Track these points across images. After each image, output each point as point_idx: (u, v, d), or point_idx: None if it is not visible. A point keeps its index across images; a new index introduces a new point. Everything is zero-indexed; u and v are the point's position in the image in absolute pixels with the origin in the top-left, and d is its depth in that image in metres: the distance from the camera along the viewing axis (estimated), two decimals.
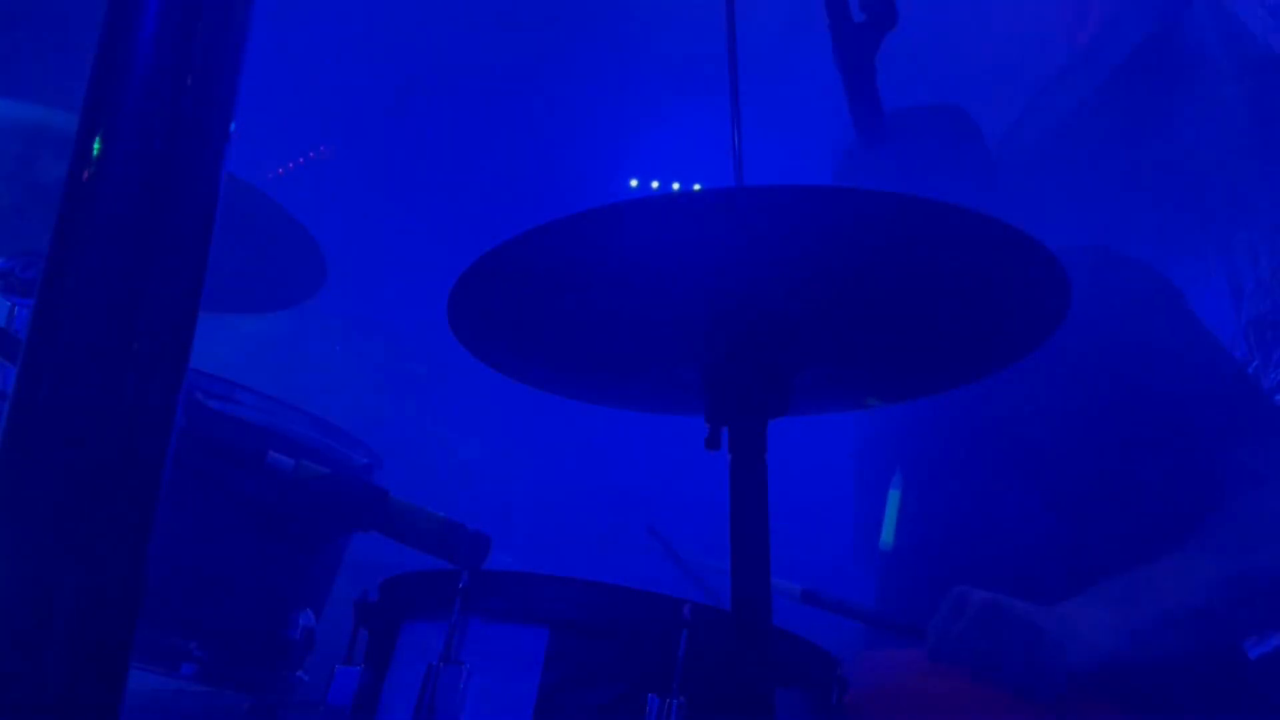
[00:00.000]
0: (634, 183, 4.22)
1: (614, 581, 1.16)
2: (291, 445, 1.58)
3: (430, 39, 3.75)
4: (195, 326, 0.65)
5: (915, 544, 1.96)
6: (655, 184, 4.17)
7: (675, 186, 4.20)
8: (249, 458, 1.49)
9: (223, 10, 0.67)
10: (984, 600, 1.54)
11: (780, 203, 0.93)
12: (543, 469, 3.66)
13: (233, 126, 0.67)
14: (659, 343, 1.14)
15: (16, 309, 1.59)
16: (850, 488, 2.37)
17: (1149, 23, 2.68)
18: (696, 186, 4.10)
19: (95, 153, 0.64)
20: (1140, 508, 1.77)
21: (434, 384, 3.94)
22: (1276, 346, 2.48)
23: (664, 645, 1.10)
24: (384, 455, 1.80)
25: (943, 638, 1.55)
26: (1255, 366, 2.50)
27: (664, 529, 2.17)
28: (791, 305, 1.03)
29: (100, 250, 0.64)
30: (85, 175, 0.65)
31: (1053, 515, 1.79)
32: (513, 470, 3.69)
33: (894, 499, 2.00)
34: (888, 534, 1.99)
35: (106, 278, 0.63)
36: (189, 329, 0.65)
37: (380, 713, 1.20)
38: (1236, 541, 1.65)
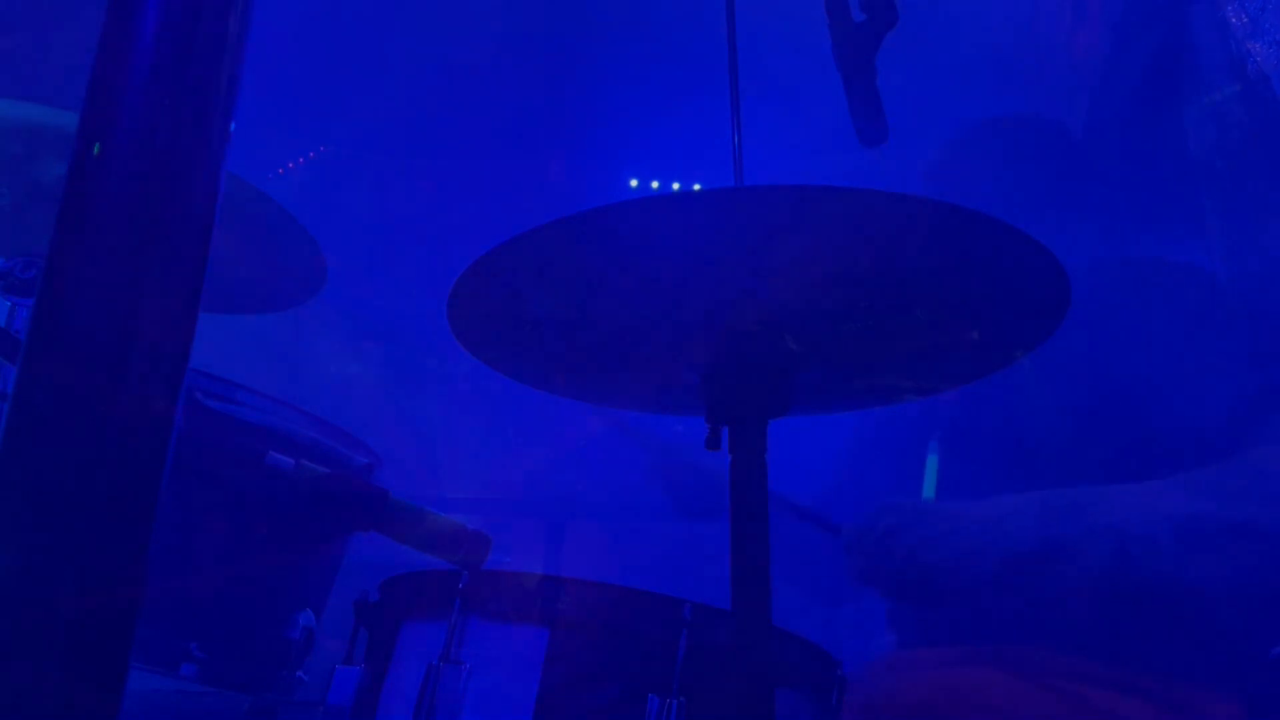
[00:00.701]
0: (634, 183, 4.22)
1: (614, 581, 1.16)
2: (291, 445, 1.58)
3: (430, 39, 3.76)
4: (195, 326, 0.65)
5: None
6: (655, 184, 4.17)
7: (675, 186, 4.20)
8: (249, 458, 1.49)
9: (223, 10, 0.67)
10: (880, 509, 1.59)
11: (780, 202, 0.93)
12: (543, 468, 3.66)
13: (233, 126, 0.67)
14: (659, 343, 1.14)
15: (16, 309, 1.59)
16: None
17: (1155, 26, 2.69)
18: (697, 187, 4.10)
19: (95, 153, 0.64)
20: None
21: (434, 383, 3.94)
22: None
23: (664, 645, 1.10)
24: (384, 455, 1.80)
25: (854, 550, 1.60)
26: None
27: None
28: (792, 305, 1.03)
29: (100, 250, 0.64)
30: (85, 175, 0.65)
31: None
32: (513, 470, 3.69)
33: (932, 463, 2.04)
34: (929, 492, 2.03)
35: (106, 278, 0.63)
36: (189, 329, 0.65)
37: (380, 713, 1.21)
38: (1212, 486, 1.65)
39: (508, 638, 1.16)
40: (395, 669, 1.24)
